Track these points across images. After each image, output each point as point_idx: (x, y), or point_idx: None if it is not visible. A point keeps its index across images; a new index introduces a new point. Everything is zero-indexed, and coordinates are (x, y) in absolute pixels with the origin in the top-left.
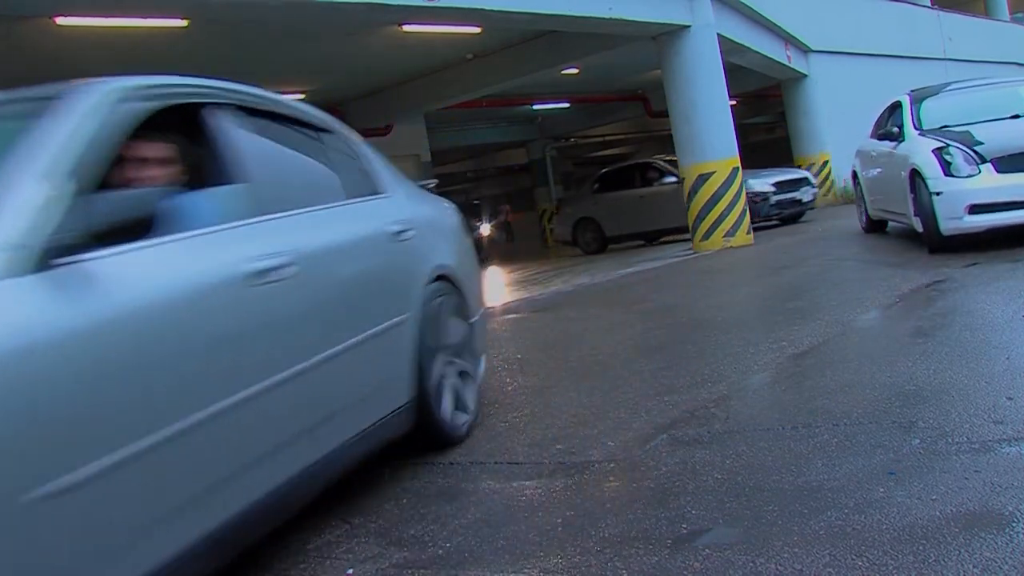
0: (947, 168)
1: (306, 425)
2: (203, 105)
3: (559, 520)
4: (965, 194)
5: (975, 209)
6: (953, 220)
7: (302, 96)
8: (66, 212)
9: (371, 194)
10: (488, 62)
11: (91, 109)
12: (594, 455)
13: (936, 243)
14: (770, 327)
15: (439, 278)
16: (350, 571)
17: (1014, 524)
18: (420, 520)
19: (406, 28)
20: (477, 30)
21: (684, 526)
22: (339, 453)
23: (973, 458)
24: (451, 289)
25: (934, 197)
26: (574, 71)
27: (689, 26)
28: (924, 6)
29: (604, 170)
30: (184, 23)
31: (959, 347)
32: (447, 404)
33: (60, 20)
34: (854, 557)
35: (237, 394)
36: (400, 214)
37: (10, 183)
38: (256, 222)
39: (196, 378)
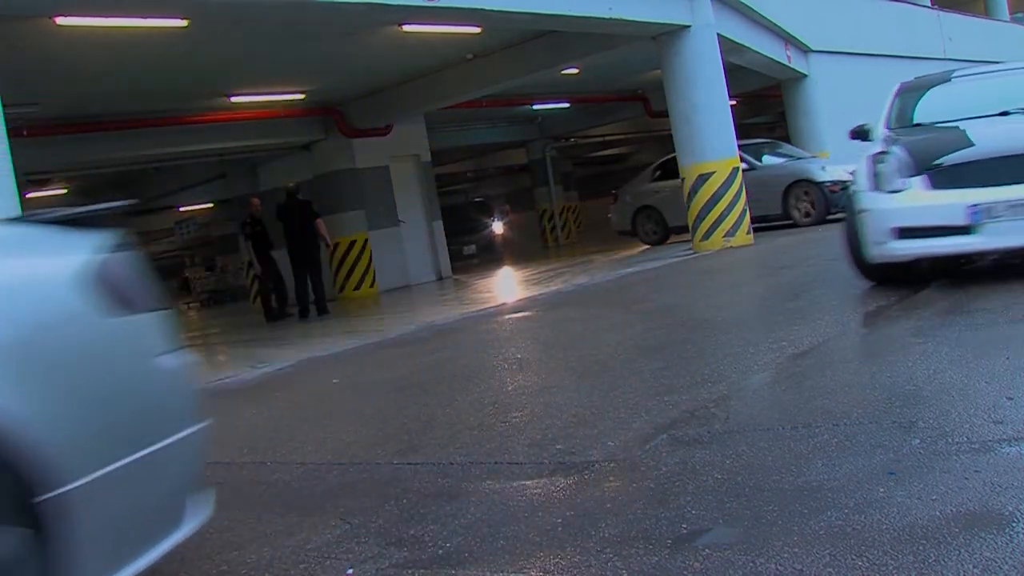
0: (876, 180)
1: None
2: None
3: (559, 520)
4: (889, 214)
5: (904, 233)
6: (878, 245)
7: (302, 96)
8: None
9: None
10: (488, 62)
11: None
12: (594, 455)
13: (866, 272)
14: (770, 327)
15: None
16: (350, 571)
17: (1014, 524)
18: (420, 520)
19: (406, 28)
20: (477, 30)
21: (684, 526)
22: None
23: (973, 458)
24: None
25: (858, 215)
26: (574, 71)
27: (689, 26)
28: (924, 6)
29: (666, 157)
30: (184, 23)
31: (959, 347)
32: None
33: (60, 20)
34: (854, 557)
35: None
36: None
37: None
38: None
39: None
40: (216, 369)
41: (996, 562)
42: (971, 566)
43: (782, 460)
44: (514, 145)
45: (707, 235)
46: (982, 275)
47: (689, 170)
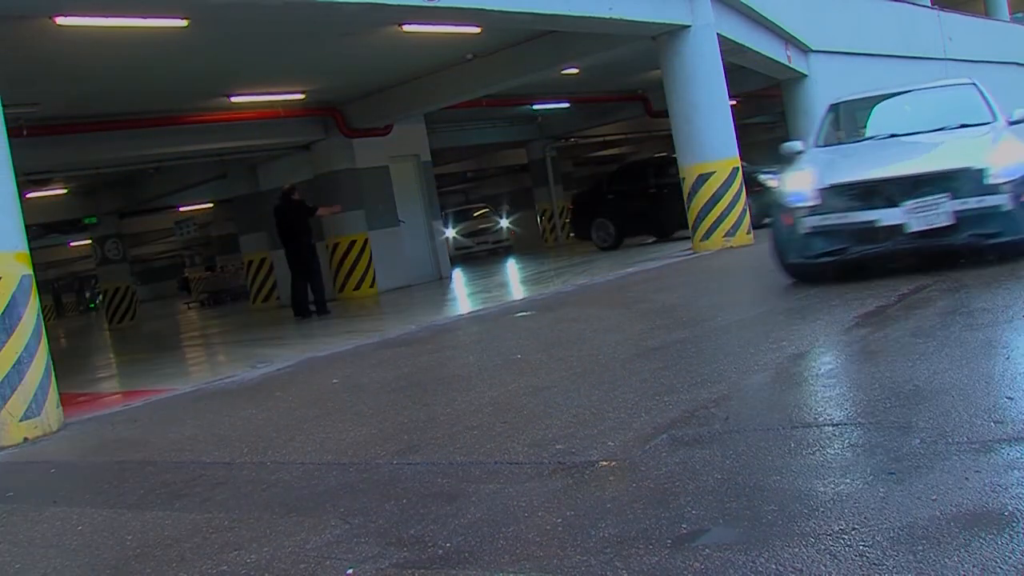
0: None
1: None
2: None
3: (559, 520)
4: None
5: None
6: None
7: (302, 96)
8: None
9: None
10: (488, 62)
11: None
12: (594, 455)
13: None
14: (770, 327)
15: None
16: (350, 571)
17: (1014, 524)
18: (420, 520)
19: (406, 28)
20: (477, 30)
21: (684, 526)
22: None
23: (973, 458)
24: None
25: None
26: (574, 71)
27: (689, 26)
28: (924, 6)
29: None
30: (184, 23)
31: (959, 347)
32: None
33: (60, 20)
34: (854, 557)
35: None
36: None
37: None
38: None
39: None
40: (217, 369)
41: (996, 562)
42: (971, 566)
43: (782, 460)
44: (514, 145)
45: (707, 235)
46: (981, 275)
47: (689, 170)
